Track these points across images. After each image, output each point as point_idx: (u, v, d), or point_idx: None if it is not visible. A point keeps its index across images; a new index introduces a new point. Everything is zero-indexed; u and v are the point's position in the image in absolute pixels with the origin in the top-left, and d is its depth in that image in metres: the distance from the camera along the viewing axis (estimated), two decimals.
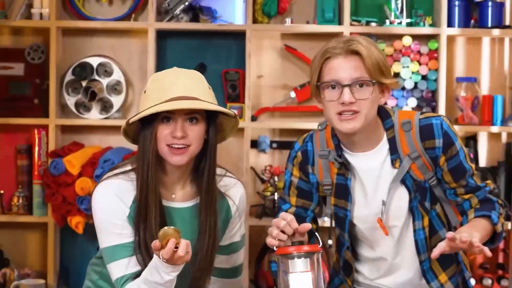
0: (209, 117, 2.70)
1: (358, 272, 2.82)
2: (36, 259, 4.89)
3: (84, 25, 4.76)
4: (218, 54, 4.88)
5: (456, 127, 4.66)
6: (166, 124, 2.64)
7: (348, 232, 2.75)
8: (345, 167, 2.70)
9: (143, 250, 2.64)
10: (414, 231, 2.70)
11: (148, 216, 2.65)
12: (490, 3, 4.72)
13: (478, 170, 4.53)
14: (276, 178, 4.69)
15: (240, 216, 2.87)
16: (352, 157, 2.70)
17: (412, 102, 4.74)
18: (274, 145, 4.80)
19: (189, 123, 2.65)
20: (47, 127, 4.71)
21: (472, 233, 2.46)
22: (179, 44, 4.89)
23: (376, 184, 2.69)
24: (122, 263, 2.67)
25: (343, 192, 2.72)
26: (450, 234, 2.40)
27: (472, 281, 2.86)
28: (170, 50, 4.87)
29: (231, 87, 4.78)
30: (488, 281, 4.73)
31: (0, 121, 4.64)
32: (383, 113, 2.68)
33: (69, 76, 4.72)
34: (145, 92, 2.71)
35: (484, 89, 4.88)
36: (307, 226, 2.51)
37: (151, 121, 2.64)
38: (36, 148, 4.72)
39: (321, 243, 2.51)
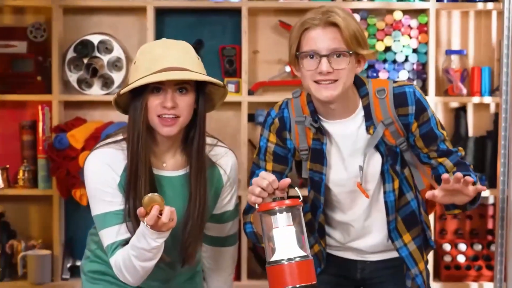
0: (198, 87, 2.69)
1: (330, 236, 2.84)
2: (41, 231, 4.89)
3: (85, 3, 4.76)
4: (214, 30, 4.88)
5: (445, 98, 4.73)
6: (156, 95, 2.62)
7: (324, 195, 2.76)
8: (321, 132, 2.71)
9: (133, 218, 2.62)
10: (385, 193, 2.73)
11: (138, 185, 2.63)
12: None
13: (466, 140, 4.64)
14: None
15: (232, 185, 2.84)
16: (328, 124, 2.71)
17: (404, 74, 4.76)
18: None
19: (179, 93, 2.63)
20: (51, 103, 4.72)
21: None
22: (177, 21, 4.87)
23: (352, 150, 2.71)
24: (113, 230, 2.66)
25: (319, 156, 2.73)
26: (445, 175, 2.44)
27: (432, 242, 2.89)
28: (168, 27, 4.86)
29: (228, 63, 4.79)
30: (478, 246, 4.78)
31: (4, 98, 4.66)
32: (358, 81, 2.71)
33: (70, 54, 4.72)
34: (134, 63, 2.69)
35: (473, 61, 4.89)
36: (287, 181, 2.50)
37: (141, 92, 2.62)
38: (40, 124, 4.72)
39: (301, 198, 2.50)
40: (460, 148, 2.73)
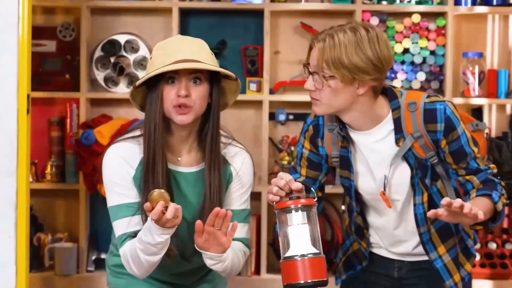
0: (212, 80, 2.69)
1: (370, 236, 2.85)
2: (67, 224, 4.91)
3: (112, 4, 4.79)
4: (237, 31, 4.90)
5: (462, 100, 4.73)
6: (170, 85, 2.62)
7: (355, 200, 2.77)
8: (346, 141, 2.71)
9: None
10: (414, 205, 2.71)
11: (153, 178, 2.63)
12: None
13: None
14: (292, 148, 4.76)
15: (241, 185, 2.78)
16: (354, 134, 2.70)
17: (421, 76, 4.77)
18: (291, 117, 4.83)
19: (193, 83, 2.63)
20: (78, 100, 4.76)
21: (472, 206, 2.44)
22: (200, 22, 4.90)
23: (379, 160, 2.69)
24: (124, 221, 2.66)
25: (346, 163, 2.73)
26: (444, 200, 2.41)
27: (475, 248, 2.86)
28: (192, 28, 4.89)
29: (250, 63, 4.81)
30: (493, 245, 4.77)
31: (34, 95, 4.66)
32: (390, 94, 2.66)
33: (98, 53, 4.76)
34: (151, 58, 2.69)
35: (489, 63, 4.89)
36: (299, 185, 2.51)
37: (156, 84, 2.63)
38: (68, 120, 4.76)
39: (316, 198, 2.53)
40: (492, 166, 2.69)
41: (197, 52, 2.65)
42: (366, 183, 2.73)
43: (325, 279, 2.43)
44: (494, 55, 4.92)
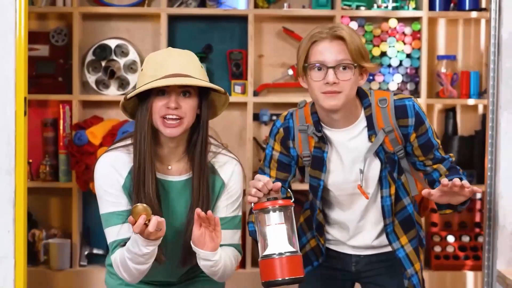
0: (201, 94, 2.65)
1: (328, 233, 2.87)
2: (61, 221, 4.92)
3: (103, 10, 4.81)
4: (223, 36, 4.92)
5: (437, 100, 4.80)
6: (160, 98, 2.59)
7: (320, 199, 2.78)
8: (323, 141, 2.72)
9: None
10: (382, 197, 2.75)
11: (144, 188, 2.60)
12: None
13: (456, 139, 4.70)
14: None
15: (229, 194, 2.73)
16: (331, 133, 2.72)
17: (398, 78, 4.81)
18: (274, 117, 4.83)
19: (183, 96, 2.60)
20: (71, 103, 4.77)
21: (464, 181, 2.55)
22: (188, 27, 4.92)
23: (353, 156, 2.72)
24: (115, 229, 2.63)
25: (319, 163, 2.74)
26: (444, 180, 2.51)
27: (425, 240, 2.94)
28: (180, 33, 4.91)
29: (235, 66, 4.83)
30: (466, 238, 4.85)
31: (29, 97, 4.69)
32: (361, 93, 2.72)
33: (90, 57, 4.77)
34: (142, 70, 2.65)
35: (462, 65, 4.94)
36: (278, 184, 2.55)
37: (147, 96, 2.60)
38: (61, 121, 4.77)
39: (293, 199, 2.55)
40: (451, 154, 2.79)
41: (186, 66, 2.62)
42: (338, 178, 2.75)
43: (302, 276, 2.47)
44: (466, 57, 4.96)
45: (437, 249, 4.83)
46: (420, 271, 2.85)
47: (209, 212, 2.53)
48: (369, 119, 2.70)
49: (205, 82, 2.62)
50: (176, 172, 2.70)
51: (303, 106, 2.80)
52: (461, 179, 2.64)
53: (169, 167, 2.69)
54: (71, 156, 4.68)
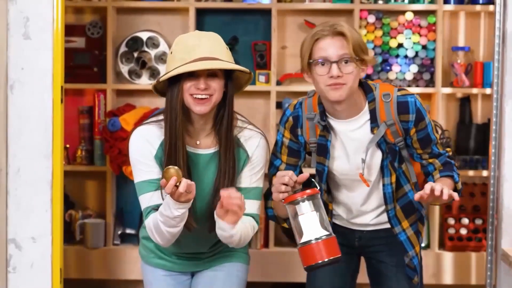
0: (227, 73, 2.73)
1: (334, 210, 2.94)
2: (96, 202, 4.99)
3: (135, 4, 4.85)
4: (248, 28, 4.96)
5: (451, 89, 4.84)
6: (190, 79, 2.66)
7: (325, 182, 2.85)
8: (327, 130, 2.78)
9: None
10: (383, 185, 2.82)
11: (174, 160, 2.68)
12: None
13: (470, 126, 4.72)
14: None
15: (252, 165, 2.80)
16: (335, 123, 2.78)
17: (414, 68, 4.84)
18: None
19: (211, 78, 2.67)
20: (105, 91, 4.83)
21: (444, 187, 2.59)
22: (215, 20, 4.96)
23: (356, 146, 2.78)
24: (147, 196, 2.71)
25: (323, 150, 2.81)
26: (417, 196, 2.58)
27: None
28: (207, 25, 4.94)
29: (259, 57, 4.88)
30: (479, 221, 4.89)
31: (66, 86, 4.73)
32: (366, 88, 2.78)
33: (123, 48, 4.83)
34: (171, 53, 2.71)
35: (476, 56, 4.94)
36: (305, 175, 2.63)
37: (177, 78, 2.67)
38: (96, 109, 4.83)
39: (318, 187, 2.63)
40: (449, 149, 2.84)
41: (213, 49, 2.67)
42: (343, 165, 2.82)
43: (339, 255, 2.57)
44: (480, 49, 4.97)
45: (451, 231, 4.88)
46: (419, 252, 2.91)
47: (238, 195, 2.58)
48: (373, 112, 2.75)
49: (231, 64, 2.68)
50: (204, 146, 2.78)
51: (312, 95, 2.86)
52: (452, 177, 2.73)
53: (198, 142, 2.77)
54: (105, 141, 4.74)
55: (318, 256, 2.54)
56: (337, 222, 2.96)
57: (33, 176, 3.41)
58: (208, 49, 2.66)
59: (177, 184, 2.53)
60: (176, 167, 2.54)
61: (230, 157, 2.73)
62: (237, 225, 2.66)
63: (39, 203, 3.42)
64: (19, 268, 3.43)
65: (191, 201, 2.61)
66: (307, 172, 2.68)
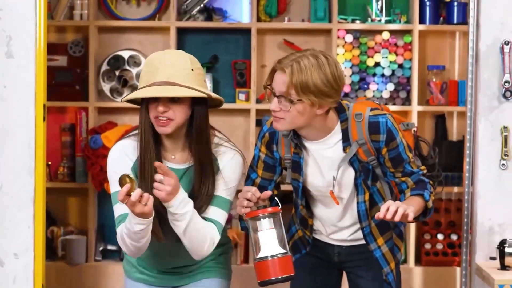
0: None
1: (313, 224, 2.94)
2: (77, 219, 4.99)
3: (117, 24, 4.89)
4: (228, 47, 4.99)
5: (427, 107, 4.90)
6: (152, 101, 2.66)
7: (300, 197, 2.85)
8: (299, 148, 2.77)
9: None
10: (357, 203, 2.81)
11: (148, 172, 2.68)
12: (456, 3, 4.86)
13: (445, 143, 4.75)
14: None
15: (226, 176, 2.77)
16: (306, 143, 2.77)
17: (390, 86, 4.90)
18: None
19: (172, 101, 2.66)
20: (87, 109, 4.84)
21: (409, 207, 2.59)
22: (196, 39, 4.99)
23: (329, 163, 2.76)
24: (120, 206, 2.70)
25: (297, 167, 2.79)
26: (377, 215, 2.58)
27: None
28: (188, 44, 4.97)
29: (239, 75, 4.91)
30: (454, 236, 4.92)
31: (48, 104, 4.70)
32: (339, 108, 2.73)
33: (104, 67, 4.86)
34: (142, 71, 2.73)
35: (451, 75, 5.01)
36: (268, 193, 2.65)
37: (144, 98, 2.69)
38: (78, 127, 4.83)
39: (280, 206, 2.65)
40: (423, 167, 2.82)
41: (174, 73, 2.65)
42: (316, 182, 2.81)
43: (293, 274, 2.60)
44: (455, 67, 5.03)
45: (427, 246, 4.92)
46: (396, 268, 2.92)
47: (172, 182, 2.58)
48: (345, 132, 2.73)
49: (186, 91, 2.64)
50: (180, 161, 2.77)
51: None
52: (422, 195, 2.72)
53: (173, 157, 2.78)
54: (87, 158, 4.75)
55: (272, 273, 2.57)
56: (317, 237, 2.97)
57: (16, 193, 3.42)
58: (167, 74, 2.65)
59: (130, 193, 2.51)
60: (131, 176, 2.54)
61: (204, 173, 2.73)
62: (183, 206, 2.65)
63: (22, 219, 3.42)
64: (1, 284, 3.43)
65: (150, 217, 2.60)
66: (284, 187, 2.71)
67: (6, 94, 3.42)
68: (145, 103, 2.70)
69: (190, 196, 2.70)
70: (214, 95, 2.74)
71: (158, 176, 2.60)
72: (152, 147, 2.72)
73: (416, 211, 2.67)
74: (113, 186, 2.75)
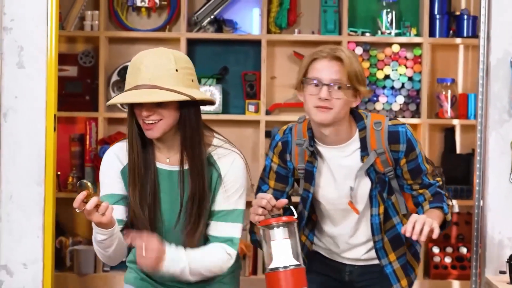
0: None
1: (321, 241, 2.87)
2: (86, 229, 4.98)
3: (127, 34, 4.93)
4: (238, 58, 5.02)
5: (436, 120, 4.90)
6: (136, 104, 2.56)
7: (308, 209, 2.78)
8: (314, 156, 2.72)
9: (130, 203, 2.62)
10: (371, 216, 2.74)
11: (138, 175, 2.62)
12: (465, 16, 4.88)
13: (454, 157, 4.74)
14: None
15: (230, 186, 2.64)
16: (324, 149, 2.72)
17: (400, 99, 4.90)
18: None
19: (157, 106, 2.53)
20: (97, 119, 4.86)
21: (433, 222, 2.55)
22: (206, 50, 5.01)
23: (345, 173, 2.71)
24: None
25: (309, 177, 2.74)
26: (405, 230, 2.53)
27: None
28: (198, 56, 4.99)
29: (249, 86, 4.93)
30: (463, 249, 4.92)
31: (58, 114, 4.74)
32: (357, 116, 2.72)
33: (114, 77, 4.90)
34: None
35: (461, 88, 5.02)
36: (284, 201, 2.57)
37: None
38: (88, 137, 4.86)
39: (296, 215, 2.55)
40: (438, 179, 2.78)
41: (156, 74, 2.52)
42: (330, 193, 2.75)
43: (305, 287, 2.49)
44: (464, 80, 5.04)
45: (436, 259, 4.91)
46: (407, 286, 2.84)
47: (155, 246, 2.50)
48: (363, 141, 2.70)
49: (168, 95, 2.51)
50: (174, 163, 2.66)
51: (302, 121, 2.79)
52: (441, 208, 2.69)
53: (167, 160, 2.67)
54: (96, 169, 4.76)
55: (283, 285, 2.46)
56: (325, 254, 2.91)
57: (26, 203, 3.42)
58: (150, 75, 2.52)
59: (86, 200, 2.40)
60: (88, 183, 2.42)
61: (197, 175, 2.61)
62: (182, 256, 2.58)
63: (31, 229, 3.42)
64: None
65: (110, 228, 2.50)
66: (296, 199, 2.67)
67: (17, 104, 3.43)
68: (130, 107, 2.61)
69: (187, 200, 2.62)
70: (198, 96, 2.58)
71: (138, 243, 2.48)
72: (139, 152, 2.62)
73: (438, 223, 2.63)
74: (102, 189, 2.69)
